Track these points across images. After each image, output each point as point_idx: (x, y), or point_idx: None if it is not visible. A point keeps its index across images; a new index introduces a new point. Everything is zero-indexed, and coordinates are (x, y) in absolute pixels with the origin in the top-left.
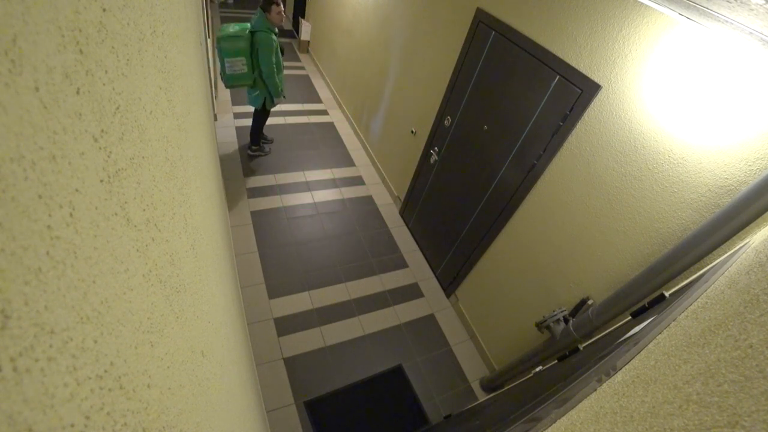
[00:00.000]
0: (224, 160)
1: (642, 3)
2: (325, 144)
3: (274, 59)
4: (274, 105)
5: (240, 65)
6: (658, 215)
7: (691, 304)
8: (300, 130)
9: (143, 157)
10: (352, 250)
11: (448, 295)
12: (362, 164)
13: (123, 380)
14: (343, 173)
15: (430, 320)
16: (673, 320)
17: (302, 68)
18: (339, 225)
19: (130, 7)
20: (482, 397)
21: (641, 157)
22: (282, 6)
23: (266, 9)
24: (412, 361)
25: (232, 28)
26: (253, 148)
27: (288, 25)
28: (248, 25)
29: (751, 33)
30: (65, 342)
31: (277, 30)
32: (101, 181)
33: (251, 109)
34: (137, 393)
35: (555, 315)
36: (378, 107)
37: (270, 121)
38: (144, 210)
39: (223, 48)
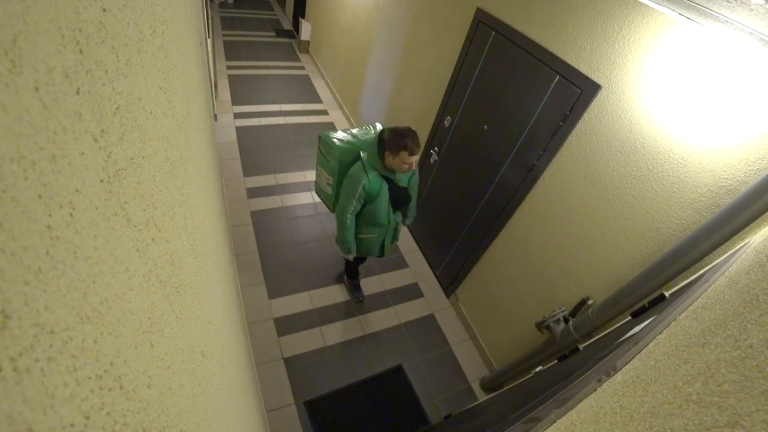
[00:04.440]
0: (224, 160)
1: (642, 3)
2: None
3: (353, 205)
4: (350, 256)
5: (325, 182)
6: (658, 215)
7: (691, 304)
8: (300, 130)
9: (143, 157)
10: None
11: (448, 295)
12: None
13: (123, 380)
14: None
15: (430, 320)
16: (673, 320)
17: (302, 68)
18: None
19: (130, 7)
20: (482, 397)
21: (641, 157)
22: (415, 156)
23: (386, 148)
24: (412, 361)
25: (344, 134)
26: (347, 280)
27: (288, 25)
28: (365, 140)
29: (751, 33)
30: (65, 342)
31: (396, 176)
32: (101, 181)
33: (251, 108)
34: (137, 393)
35: (555, 315)
36: (378, 107)
37: (270, 120)
38: (144, 210)
39: (319, 148)
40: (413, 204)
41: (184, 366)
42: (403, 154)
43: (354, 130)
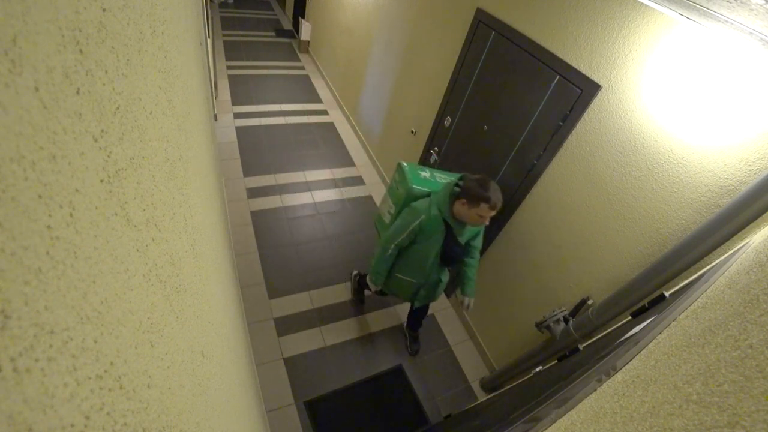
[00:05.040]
0: (224, 160)
1: (642, 3)
2: (325, 144)
3: (401, 237)
4: (372, 287)
5: (386, 210)
6: (658, 215)
7: (691, 304)
8: (300, 130)
9: (143, 157)
10: (352, 250)
11: (448, 295)
12: (362, 164)
13: (123, 380)
14: (343, 173)
15: (430, 320)
16: (673, 320)
17: (302, 68)
18: (339, 225)
19: (130, 7)
20: (482, 397)
21: (641, 157)
22: (490, 211)
23: (462, 195)
24: (412, 361)
25: (424, 171)
26: (355, 279)
27: (288, 25)
28: (440, 183)
29: (751, 33)
30: (65, 342)
31: (464, 230)
32: (101, 181)
33: (251, 108)
34: (137, 393)
35: (555, 315)
36: (378, 107)
37: (270, 120)
38: (144, 210)
39: (394, 175)
40: (472, 274)
41: (184, 366)
42: (484, 206)
43: (436, 171)
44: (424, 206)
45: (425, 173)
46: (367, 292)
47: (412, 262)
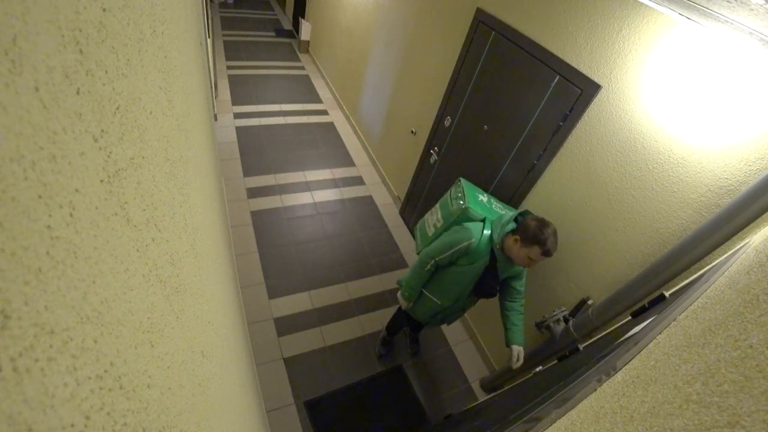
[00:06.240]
0: (224, 160)
1: (642, 3)
2: (325, 144)
3: (444, 255)
4: (403, 303)
5: (433, 222)
6: (658, 215)
7: (691, 304)
8: (300, 130)
9: (143, 157)
10: (352, 250)
11: None
12: (362, 164)
13: (123, 380)
14: (343, 173)
15: None
16: (673, 320)
17: (302, 68)
18: (339, 225)
19: (130, 7)
20: (482, 397)
21: (641, 157)
22: (541, 257)
23: (518, 231)
24: (412, 361)
25: (482, 195)
26: (384, 336)
27: (288, 25)
28: (496, 212)
29: (751, 33)
30: (65, 342)
31: (507, 265)
32: (101, 181)
33: (251, 108)
34: (137, 393)
35: (555, 315)
36: (378, 107)
37: (270, 120)
38: (144, 210)
39: (450, 189)
40: (518, 320)
41: (184, 366)
42: (536, 250)
43: (493, 198)
44: (476, 230)
45: (483, 197)
46: (383, 352)
47: (445, 283)
